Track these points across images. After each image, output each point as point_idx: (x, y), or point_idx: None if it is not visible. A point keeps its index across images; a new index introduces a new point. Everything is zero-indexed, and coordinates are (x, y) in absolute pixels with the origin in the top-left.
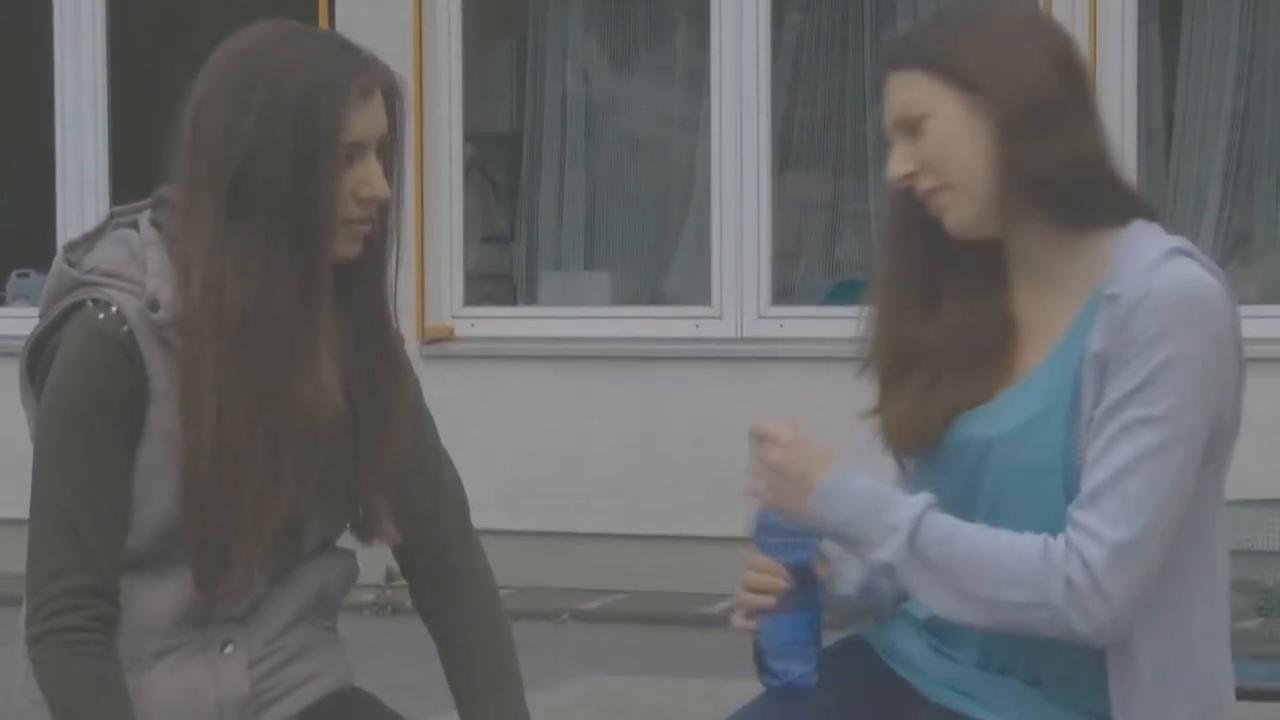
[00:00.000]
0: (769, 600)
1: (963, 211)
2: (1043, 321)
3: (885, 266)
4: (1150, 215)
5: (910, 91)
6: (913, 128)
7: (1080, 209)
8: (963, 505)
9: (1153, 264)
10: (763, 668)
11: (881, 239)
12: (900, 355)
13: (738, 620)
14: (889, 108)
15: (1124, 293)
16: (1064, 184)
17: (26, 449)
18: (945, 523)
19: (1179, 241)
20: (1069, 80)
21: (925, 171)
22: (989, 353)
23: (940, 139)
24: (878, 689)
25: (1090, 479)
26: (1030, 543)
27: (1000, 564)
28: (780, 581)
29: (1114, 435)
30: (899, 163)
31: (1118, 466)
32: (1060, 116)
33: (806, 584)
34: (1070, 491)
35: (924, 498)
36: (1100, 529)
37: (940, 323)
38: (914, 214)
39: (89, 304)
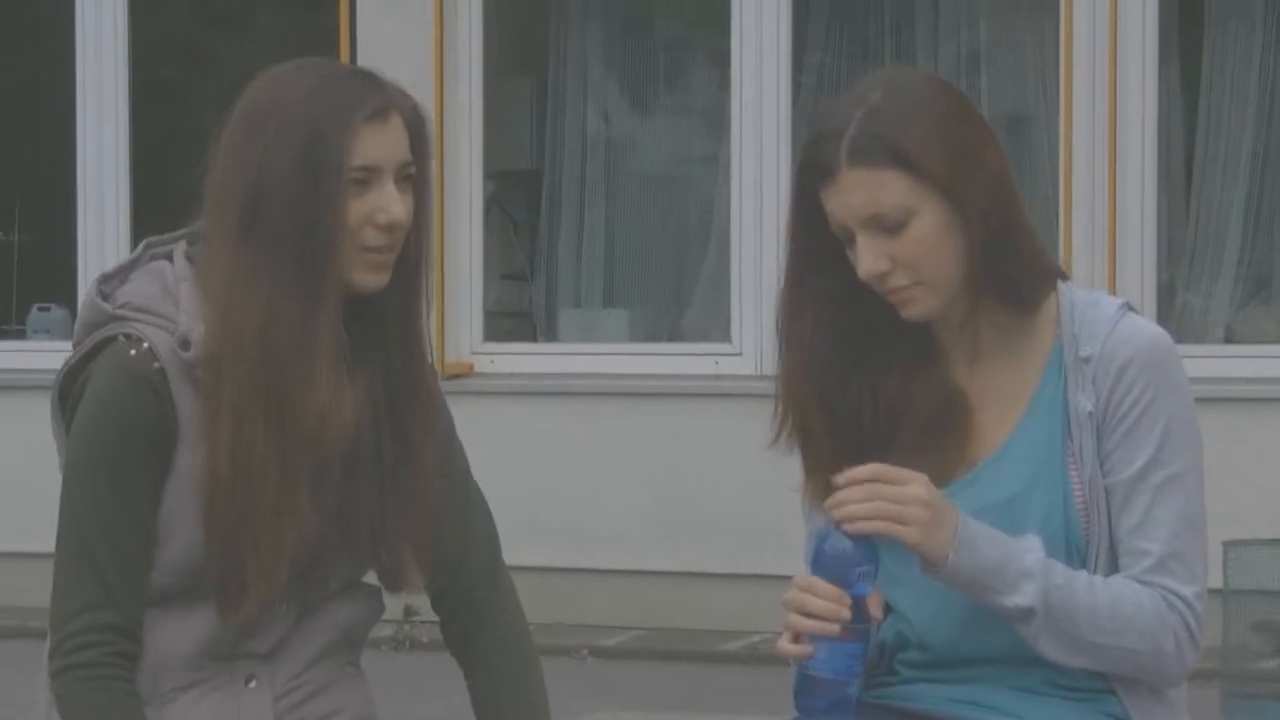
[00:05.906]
0: (831, 628)
1: (931, 305)
2: (999, 392)
3: (804, 333)
4: (1061, 273)
5: (885, 191)
6: (886, 225)
7: (1027, 287)
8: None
9: (1112, 323)
10: (808, 696)
11: (794, 305)
12: (838, 423)
13: (788, 646)
14: (855, 202)
15: (1097, 353)
16: (1020, 272)
17: (44, 482)
18: (1060, 567)
19: (1112, 296)
20: (1007, 165)
21: (900, 269)
22: (947, 425)
23: (923, 242)
24: None
25: (1147, 544)
26: (1138, 591)
27: (1117, 612)
28: (846, 611)
29: (1152, 501)
30: (874, 260)
31: (1170, 531)
32: (1014, 206)
33: (862, 616)
34: (1070, 538)
35: (1037, 541)
36: (1180, 589)
37: (882, 393)
38: (835, 286)
39: (120, 339)
